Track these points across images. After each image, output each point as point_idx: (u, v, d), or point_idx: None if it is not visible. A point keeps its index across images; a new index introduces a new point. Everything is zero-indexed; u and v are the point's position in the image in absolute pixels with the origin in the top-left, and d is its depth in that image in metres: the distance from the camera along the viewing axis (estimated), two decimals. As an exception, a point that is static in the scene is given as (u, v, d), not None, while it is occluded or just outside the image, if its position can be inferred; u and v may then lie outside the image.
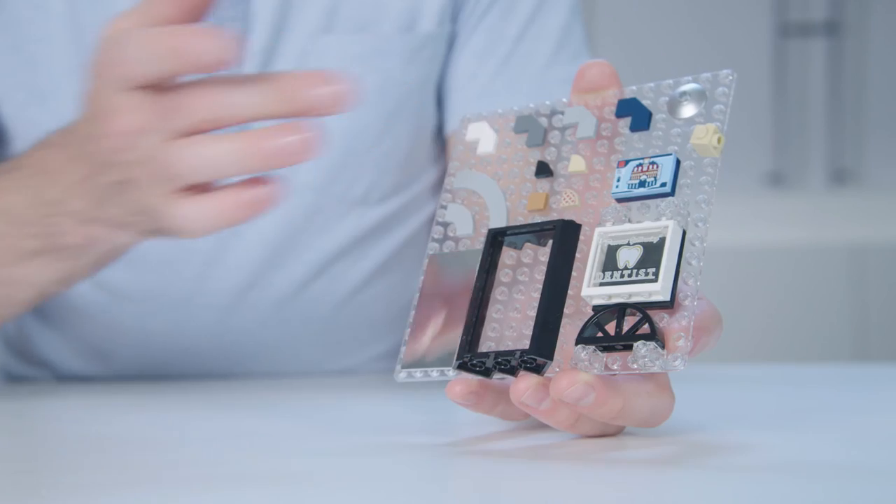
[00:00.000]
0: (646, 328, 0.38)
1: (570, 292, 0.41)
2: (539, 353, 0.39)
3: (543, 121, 0.46)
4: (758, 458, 0.39)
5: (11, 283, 0.59)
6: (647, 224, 0.40)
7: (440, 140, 0.81)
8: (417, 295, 0.46)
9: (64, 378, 0.81)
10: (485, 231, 0.45)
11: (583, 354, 0.39)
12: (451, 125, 0.78)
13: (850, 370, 0.79)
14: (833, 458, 0.39)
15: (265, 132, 0.46)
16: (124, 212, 0.51)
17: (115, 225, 0.53)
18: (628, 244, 0.40)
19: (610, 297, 0.39)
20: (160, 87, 0.47)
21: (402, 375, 0.44)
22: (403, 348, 0.45)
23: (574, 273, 0.41)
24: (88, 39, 0.72)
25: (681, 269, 0.39)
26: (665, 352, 0.38)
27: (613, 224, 0.41)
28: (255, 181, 0.46)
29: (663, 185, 0.40)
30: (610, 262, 0.40)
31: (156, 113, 0.47)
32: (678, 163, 0.41)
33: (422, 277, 0.46)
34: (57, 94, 0.72)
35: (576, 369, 0.39)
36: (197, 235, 0.48)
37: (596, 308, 0.40)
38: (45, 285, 0.59)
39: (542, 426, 0.45)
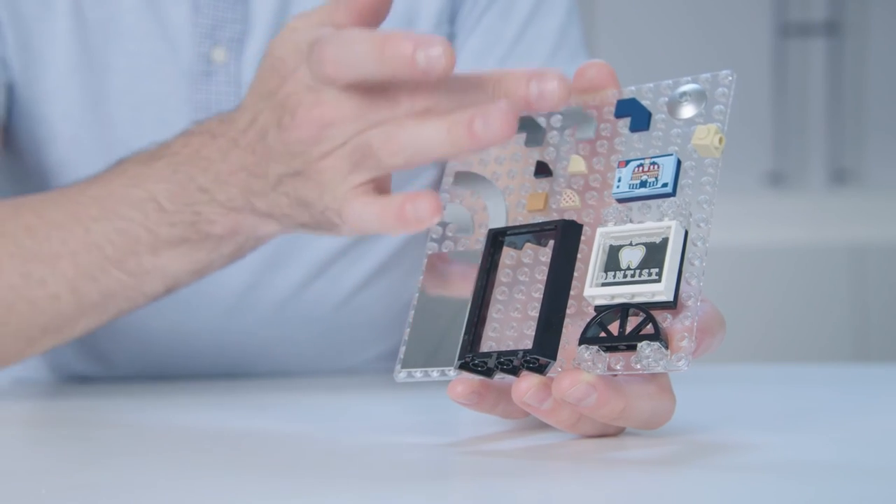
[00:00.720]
0: (649, 328, 0.38)
1: (571, 292, 0.41)
2: (542, 352, 0.39)
3: (542, 121, 0.46)
4: (758, 458, 0.39)
5: (143, 273, 0.57)
6: (649, 224, 0.40)
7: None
8: (417, 294, 0.46)
9: (66, 378, 0.81)
10: (484, 231, 0.45)
11: (586, 354, 0.39)
12: (449, 126, 0.78)
13: (850, 370, 0.79)
14: (833, 458, 0.39)
15: (471, 116, 0.43)
16: (285, 202, 0.50)
17: (266, 215, 0.52)
18: (631, 244, 0.40)
19: (613, 297, 0.39)
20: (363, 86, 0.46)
21: (401, 375, 0.44)
22: (403, 348, 0.45)
23: (575, 273, 0.41)
24: (92, 37, 0.72)
25: (683, 269, 0.39)
26: (669, 352, 0.38)
27: (615, 224, 0.41)
28: (420, 195, 0.44)
29: (665, 185, 0.40)
30: (612, 263, 0.40)
31: (358, 107, 0.46)
32: (679, 163, 0.41)
33: (421, 277, 0.46)
34: (63, 91, 0.72)
35: (578, 369, 0.39)
36: (353, 234, 0.47)
37: (598, 308, 0.40)
38: (177, 276, 0.57)
39: (543, 426, 0.45)
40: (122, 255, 0.56)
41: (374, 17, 0.48)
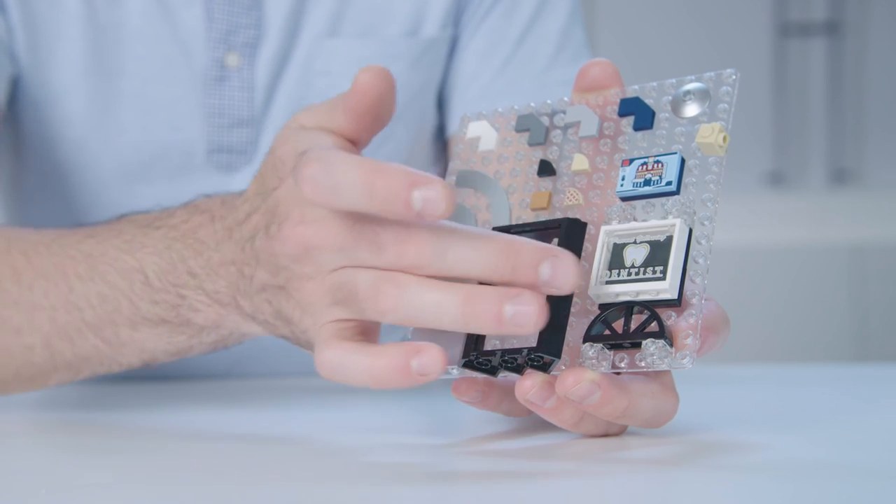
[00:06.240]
0: (654, 326, 0.38)
1: (575, 291, 0.41)
2: (547, 350, 0.39)
3: (545, 119, 0.46)
4: (758, 458, 0.39)
5: (119, 344, 0.54)
6: (653, 222, 0.40)
7: (439, 141, 0.81)
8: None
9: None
10: (487, 229, 0.44)
11: (591, 352, 0.39)
12: (452, 127, 0.79)
13: (850, 370, 0.79)
14: (833, 458, 0.39)
15: (487, 293, 0.38)
16: (268, 310, 0.46)
17: (249, 316, 0.48)
18: (635, 242, 0.40)
19: (617, 295, 0.40)
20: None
21: (405, 374, 0.44)
22: (407, 346, 0.45)
23: (579, 272, 0.41)
24: (103, 41, 0.72)
25: (688, 267, 0.39)
26: (673, 350, 0.38)
27: (619, 223, 0.41)
28: (425, 348, 0.39)
29: (669, 183, 0.40)
30: (616, 261, 0.40)
31: (348, 239, 0.41)
32: (683, 161, 0.41)
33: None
34: (70, 95, 0.72)
35: (582, 367, 0.39)
36: (327, 378, 0.42)
37: (602, 306, 0.40)
38: (154, 354, 0.54)
39: (546, 425, 0.45)
40: (101, 322, 0.54)
41: (375, 121, 0.45)
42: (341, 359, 0.40)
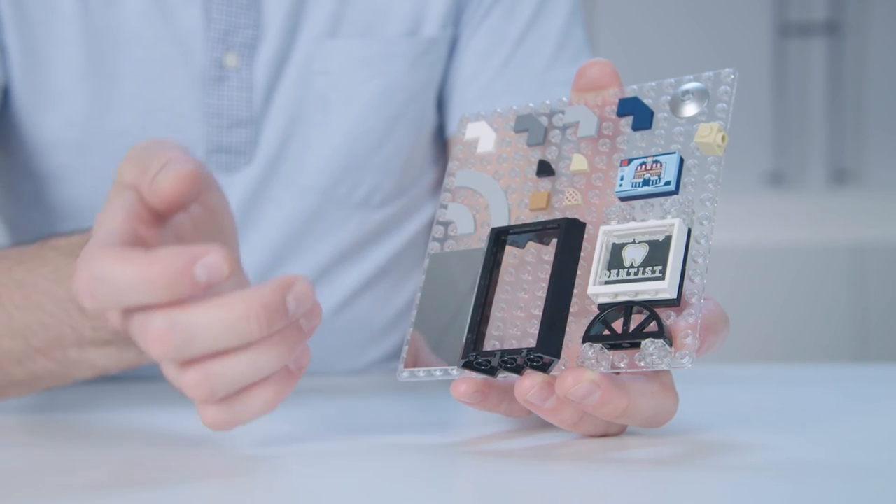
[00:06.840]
0: (653, 326, 0.38)
1: (574, 291, 0.41)
2: (546, 351, 0.39)
3: (543, 120, 0.46)
4: (758, 458, 0.39)
5: (70, 363, 0.54)
6: (652, 222, 0.40)
7: (439, 141, 0.81)
8: (419, 294, 0.46)
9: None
10: (486, 230, 0.45)
11: (590, 352, 0.39)
12: (453, 126, 0.79)
13: (850, 370, 0.79)
14: (833, 458, 0.39)
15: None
16: None
17: None
18: (634, 242, 0.40)
19: (616, 295, 0.40)
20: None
21: (404, 375, 0.44)
22: (406, 347, 0.45)
23: (578, 272, 0.41)
24: (100, 42, 0.72)
25: (687, 267, 0.39)
26: (673, 350, 0.38)
27: (618, 222, 0.41)
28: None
29: (668, 183, 0.40)
30: (615, 261, 0.40)
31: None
32: (682, 161, 0.41)
33: (423, 277, 0.46)
34: (66, 98, 0.72)
35: (581, 367, 0.39)
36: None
37: (601, 306, 0.40)
38: (106, 368, 0.54)
39: (545, 425, 0.45)
40: (47, 346, 0.53)
41: (180, 207, 0.43)
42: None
